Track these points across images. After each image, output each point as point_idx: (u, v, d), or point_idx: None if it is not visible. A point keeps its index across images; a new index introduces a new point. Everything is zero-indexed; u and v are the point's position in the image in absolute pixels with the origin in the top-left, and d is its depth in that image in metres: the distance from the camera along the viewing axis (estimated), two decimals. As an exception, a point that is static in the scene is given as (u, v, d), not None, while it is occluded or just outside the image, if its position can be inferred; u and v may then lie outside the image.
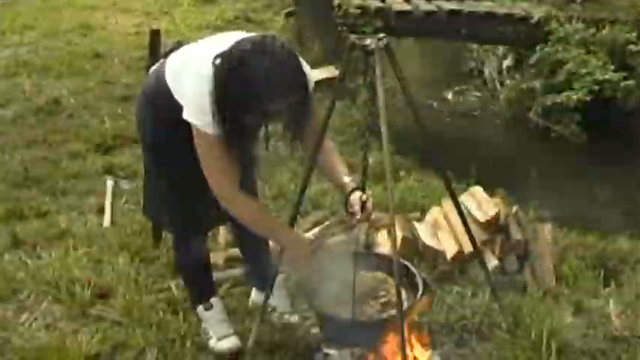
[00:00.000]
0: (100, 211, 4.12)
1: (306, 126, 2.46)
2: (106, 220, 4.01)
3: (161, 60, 2.65)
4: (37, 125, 5.50)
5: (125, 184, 4.50)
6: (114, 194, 4.29)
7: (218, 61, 2.30)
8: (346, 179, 2.56)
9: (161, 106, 2.56)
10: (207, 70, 2.33)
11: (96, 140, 5.12)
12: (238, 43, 2.29)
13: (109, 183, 4.39)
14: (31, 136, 5.26)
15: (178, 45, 2.67)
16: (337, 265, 2.62)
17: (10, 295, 3.29)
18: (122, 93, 6.12)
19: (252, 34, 2.43)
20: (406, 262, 2.79)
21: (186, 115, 2.41)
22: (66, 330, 3.04)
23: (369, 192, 2.58)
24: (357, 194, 2.52)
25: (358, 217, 2.53)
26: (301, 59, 2.38)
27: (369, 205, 2.50)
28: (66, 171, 4.68)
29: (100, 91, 6.26)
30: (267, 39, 2.28)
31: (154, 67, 2.68)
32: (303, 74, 2.35)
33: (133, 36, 7.98)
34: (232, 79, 2.25)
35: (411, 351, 2.56)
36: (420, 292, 2.56)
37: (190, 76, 2.41)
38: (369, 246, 3.48)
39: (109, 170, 4.66)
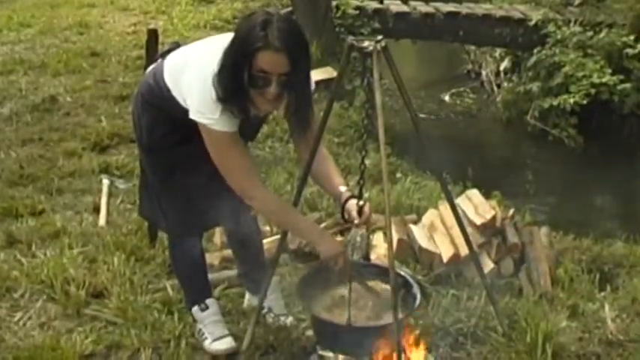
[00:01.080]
0: (96, 210, 4.11)
1: (308, 111, 2.44)
2: (102, 219, 3.99)
3: (158, 60, 2.63)
4: (33, 123, 5.48)
5: (121, 184, 4.48)
6: (110, 194, 4.28)
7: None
8: (342, 189, 2.55)
9: (158, 108, 2.54)
10: (210, 68, 2.31)
11: (92, 139, 5.10)
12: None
13: (105, 182, 4.38)
14: (26, 134, 5.24)
15: (176, 45, 2.66)
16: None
17: (5, 293, 3.28)
18: (119, 92, 6.10)
19: None
20: (403, 272, 2.78)
21: (192, 116, 2.39)
22: (60, 329, 3.04)
23: (365, 197, 2.57)
24: (353, 201, 2.52)
25: (356, 221, 2.52)
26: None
27: (367, 209, 2.50)
28: (62, 170, 4.66)
29: (96, 89, 6.24)
30: (277, 9, 2.30)
31: (150, 68, 2.66)
32: (301, 43, 2.31)
33: (131, 35, 7.96)
34: (238, 29, 2.29)
35: (408, 354, 2.55)
36: (418, 302, 2.54)
37: (193, 76, 2.39)
38: (366, 249, 3.47)
39: (105, 169, 4.64)
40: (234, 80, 2.27)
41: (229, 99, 2.31)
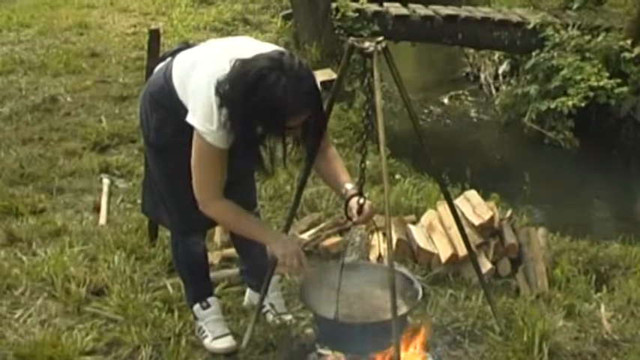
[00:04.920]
0: (96, 209, 4.12)
1: (321, 142, 2.48)
2: (102, 218, 4.01)
3: (167, 59, 2.63)
4: (34, 123, 5.50)
5: (121, 183, 4.50)
6: (110, 193, 4.30)
7: (233, 73, 2.27)
8: (348, 186, 2.58)
9: (168, 108, 2.55)
10: (219, 79, 2.31)
11: (92, 139, 5.11)
12: (255, 59, 2.27)
13: (106, 181, 4.40)
14: (27, 134, 5.26)
15: (185, 45, 2.66)
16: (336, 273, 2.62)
17: (5, 291, 3.30)
18: (119, 92, 6.12)
19: (267, 45, 2.43)
20: (404, 271, 2.81)
21: (190, 119, 2.40)
22: (61, 326, 3.05)
23: (365, 196, 2.60)
24: (356, 199, 2.54)
25: (354, 219, 2.55)
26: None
27: (367, 207, 2.52)
28: (62, 169, 4.68)
29: (96, 90, 6.26)
30: (285, 56, 2.27)
31: (159, 67, 2.66)
32: (319, 93, 2.34)
33: (131, 36, 7.98)
34: (250, 96, 2.23)
35: (406, 352, 2.58)
36: (419, 298, 2.57)
37: (200, 82, 2.38)
38: (365, 249, 3.50)
39: (106, 169, 4.65)
40: (252, 134, 2.30)
41: (241, 144, 2.35)
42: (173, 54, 2.63)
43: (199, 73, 2.41)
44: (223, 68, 2.30)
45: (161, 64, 2.66)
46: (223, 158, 2.43)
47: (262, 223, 2.71)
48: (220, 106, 2.30)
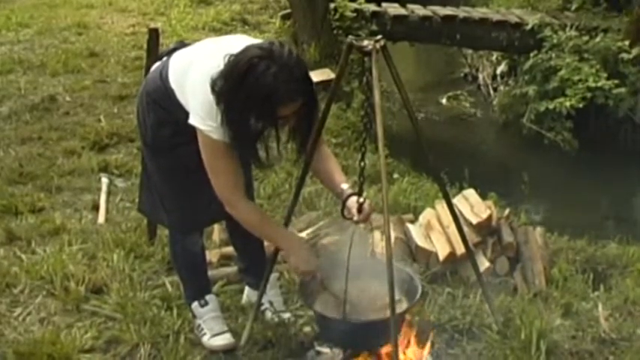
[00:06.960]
0: (95, 208, 4.14)
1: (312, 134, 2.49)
2: (101, 217, 4.03)
3: (164, 59, 2.64)
4: (33, 122, 5.51)
5: (120, 182, 4.52)
6: (109, 192, 4.31)
7: (226, 67, 2.29)
8: (344, 186, 2.59)
9: (165, 108, 2.56)
10: (213, 77, 2.32)
11: (91, 138, 5.12)
12: (245, 50, 2.29)
13: (105, 181, 4.41)
14: (26, 133, 5.27)
15: (181, 44, 2.67)
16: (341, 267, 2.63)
17: (5, 289, 3.31)
18: (118, 92, 6.13)
19: (258, 40, 2.45)
20: (406, 268, 2.82)
21: (192, 121, 2.41)
22: (60, 324, 3.07)
23: (365, 195, 2.61)
24: (354, 198, 2.55)
25: (355, 218, 2.56)
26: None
27: (366, 206, 2.53)
28: (61, 168, 4.69)
29: (95, 89, 6.27)
30: (275, 46, 2.29)
31: (155, 66, 2.67)
32: (311, 82, 2.36)
33: (129, 36, 7.98)
34: (241, 86, 2.25)
35: (405, 350, 2.59)
36: (418, 295, 2.58)
37: (197, 81, 2.40)
38: (364, 247, 3.50)
39: (105, 168, 4.67)
40: (248, 128, 2.31)
41: (238, 139, 2.35)
42: (169, 53, 2.64)
43: (195, 72, 2.42)
44: (218, 65, 2.32)
45: (157, 64, 2.67)
46: (234, 153, 2.44)
47: (285, 229, 2.72)
48: (217, 102, 2.31)
